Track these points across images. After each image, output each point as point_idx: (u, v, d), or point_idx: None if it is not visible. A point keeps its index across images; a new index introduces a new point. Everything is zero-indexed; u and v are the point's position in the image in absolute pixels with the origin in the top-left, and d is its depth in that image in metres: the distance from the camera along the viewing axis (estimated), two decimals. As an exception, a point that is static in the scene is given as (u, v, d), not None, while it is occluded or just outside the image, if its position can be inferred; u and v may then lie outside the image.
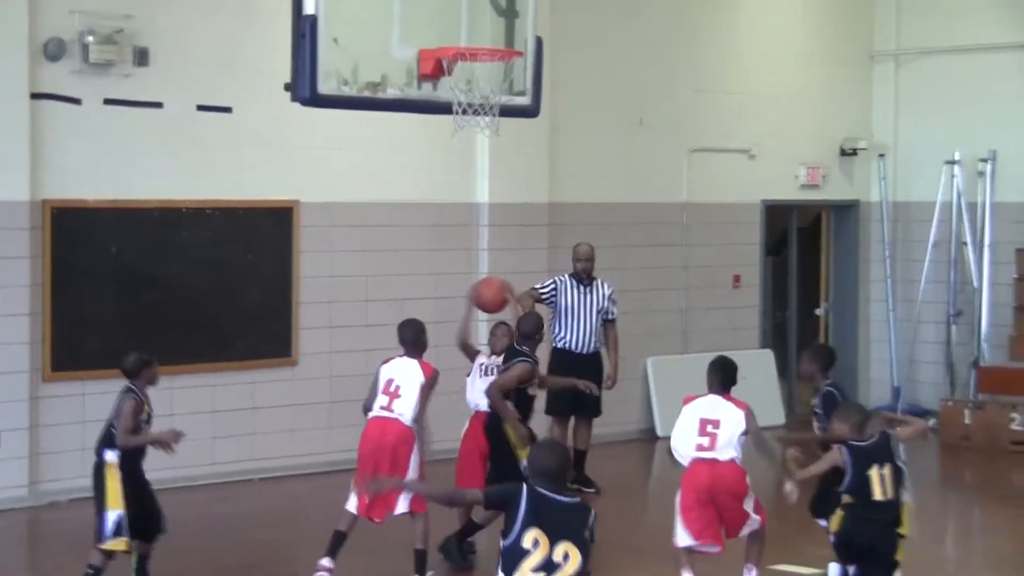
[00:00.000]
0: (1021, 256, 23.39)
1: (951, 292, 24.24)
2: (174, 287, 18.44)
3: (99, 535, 13.26)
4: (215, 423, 15.82)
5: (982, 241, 23.82)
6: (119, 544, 13.23)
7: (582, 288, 17.95)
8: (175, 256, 18.48)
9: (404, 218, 20.23)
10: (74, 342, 17.78)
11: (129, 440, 13.24)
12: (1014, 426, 21.89)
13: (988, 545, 17.04)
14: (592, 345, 18.05)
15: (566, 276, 18.12)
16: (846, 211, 25.70)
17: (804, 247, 25.79)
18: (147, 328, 17.97)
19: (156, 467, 16.86)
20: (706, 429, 13.54)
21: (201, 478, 16.90)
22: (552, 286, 18.03)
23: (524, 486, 9.60)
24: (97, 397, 17.49)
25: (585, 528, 9.65)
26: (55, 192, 17.57)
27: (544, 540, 9.50)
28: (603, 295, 18.09)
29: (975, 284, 23.93)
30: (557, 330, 17.99)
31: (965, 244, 24.00)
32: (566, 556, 9.53)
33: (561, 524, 9.61)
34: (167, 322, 18.24)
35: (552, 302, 17.92)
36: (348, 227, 19.79)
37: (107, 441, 13.28)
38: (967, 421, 22.26)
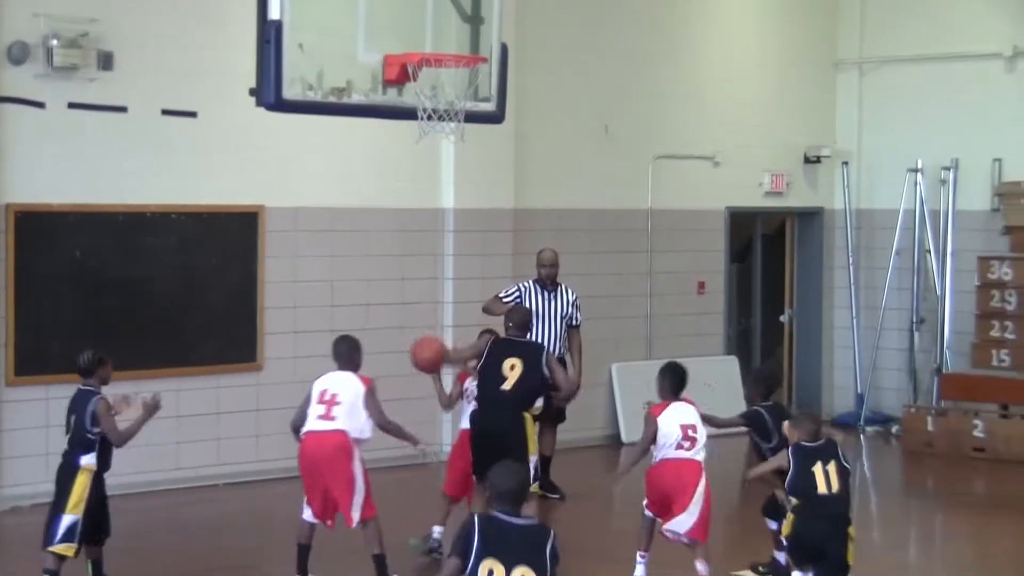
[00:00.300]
0: (983, 264, 23.42)
1: (914, 299, 24.36)
2: (139, 292, 18.38)
3: (49, 538, 13.19)
4: (180, 428, 15.79)
5: (945, 249, 23.86)
6: (67, 549, 13.15)
7: (546, 294, 17.90)
8: (140, 260, 18.40)
9: (370, 223, 20.20)
10: (37, 346, 17.70)
11: (124, 437, 13.26)
12: (976, 433, 21.97)
13: (949, 551, 17.11)
14: (557, 351, 17.82)
15: (530, 282, 18.07)
16: (810, 218, 25.77)
17: (768, 254, 25.83)
18: (111, 332, 17.90)
19: (120, 472, 16.83)
20: (687, 434, 13.81)
21: (165, 483, 16.83)
22: (516, 292, 17.94)
23: (475, 519, 9.75)
24: (60, 402, 17.36)
25: (544, 550, 9.76)
26: (19, 196, 17.48)
27: (499, 568, 9.67)
28: (567, 301, 18.05)
29: (938, 291, 24.02)
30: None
31: (928, 251, 24.09)
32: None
33: (518, 549, 9.79)
34: (132, 327, 18.20)
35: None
36: (314, 232, 19.73)
37: (83, 446, 13.15)
38: (930, 428, 22.31)
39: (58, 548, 13.11)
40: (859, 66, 25.29)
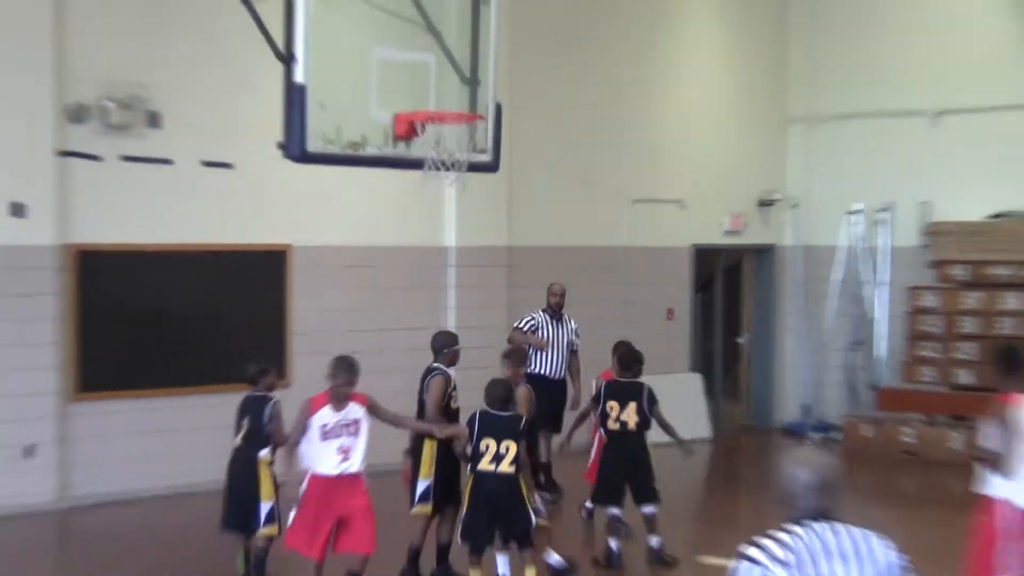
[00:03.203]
0: (913, 293, 23.50)
1: (853, 324, 24.44)
2: (183, 319, 18.45)
3: (252, 521, 13.18)
4: (223, 437, 15.58)
5: (879, 280, 24.01)
6: (272, 530, 13.13)
7: (555, 323, 17.94)
8: (184, 292, 18.46)
9: (382, 259, 20.22)
10: (97, 368, 17.73)
11: (284, 440, 13.10)
12: (906, 438, 22.32)
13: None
14: (562, 372, 18.05)
15: (540, 312, 18.05)
16: (764, 254, 25.78)
17: (728, 285, 25.86)
18: (161, 355, 18.29)
19: (173, 475, 16.90)
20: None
21: (209, 484, 16.46)
22: (533, 322, 17.93)
23: (477, 413, 12.82)
24: (115, 416, 17.92)
25: (518, 429, 12.82)
26: (81, 237, 17.57)
27: (492, 443, 12.71)
28: (570, 329, 18.10)
29: (874, 317, 24.13)
30: (535, 358, 17.76)
31: (865, 282, 24.15)
32: (507, 448, 12.65)
33: (502, 429, 12.77)
34: (178, 349, 18.35)
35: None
36: (334, 267, 19.75)
37: (260, 442, 13.18)
38: (866, 434, 22.60)
39: (265, 532, 13.09)
40: (806, 122, 25.33)
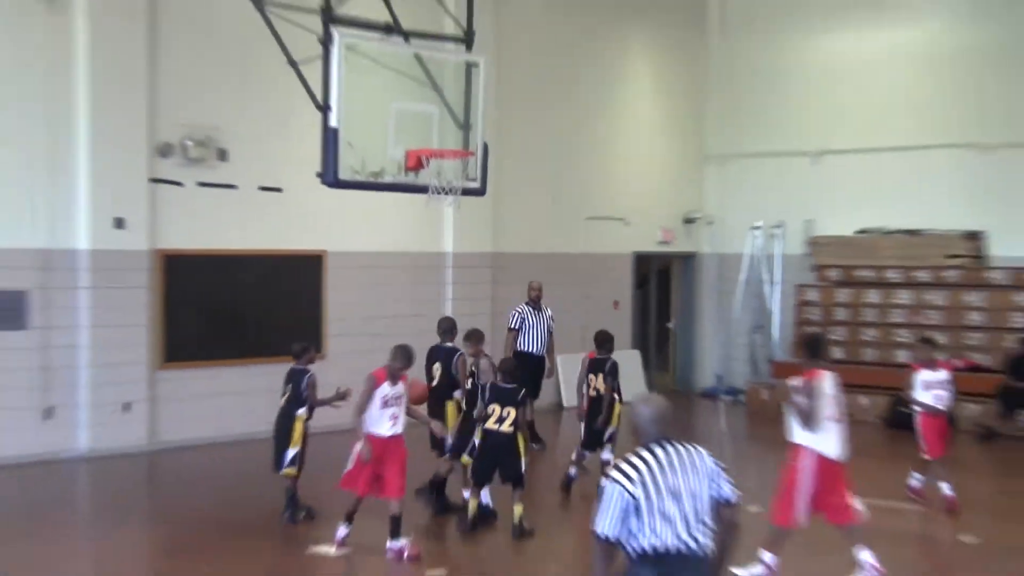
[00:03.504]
0: (799, 290, 23.52)
1: (755, 313, 24.42)
2: (243, 307, 18.58)
3: (279, 464, 13.33)
4: (272, 398, 15.33)
5: (775, 280, 24.02)
6: (292, 472, 13.26)
7: (535, 313, 17.80)
8: (245, 286, 18.60)
9: (394, 262, 20.32)
10: (178, 343, 17.85)
11: (317, 403, 13.45)
12: None
13: (769, 470, 17.02)
14: (541, 349, 17.95)
15: (523, 305, 17.93)
16: (688, 260, 25.71)
17: (660, 283, 25.84)
18: (226, 334, 18.42)
19: (238, 426, 17.47)
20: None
21: (263, 433, 16.36)
22: (519, 315, 17.88)
23: (488, 384, 13.10)
24: (192, 381, 17.91)
25: (518, 398, 12.92)
26: (166, 244, 17.67)
27: (498, 408, 12.89)
28: (547, 316, 17.96)
29: (770, 308, 24.16)
30: (521, 340, 17.83)
31: (764, 282, 24.18)
32: (508, 412, 12.80)
33: (506, 398, 12.89)
34: (239, 330, 18.51)
35: (520, 326, 17.76)
36: (358, 268, 19.78)
37: (298, 403, 13.31)
38: (764, 397, 22.56)
39: (287, 471, 13.25)
40: (719, 159, 25.29)
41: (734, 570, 8.44)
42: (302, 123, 14.05)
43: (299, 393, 13.38)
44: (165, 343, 17.78)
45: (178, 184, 17.83)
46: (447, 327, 14.55)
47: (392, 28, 13.85)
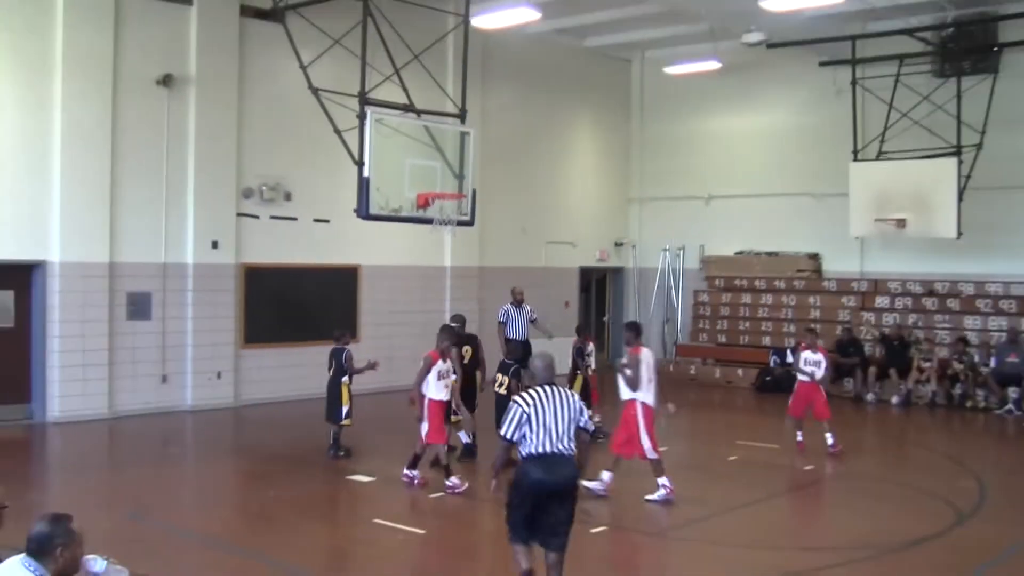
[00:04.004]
0: (695, 294, 23.37)
1: (665, 310, 24.13)
2: (303, 304, 18.34)
3: (337, 416, 13.11)
4: (322, 370, 15.28)
5: (679, 287, 23.81)
6: (348, 422, 13.10)
7: (517, 310, 16.43)
8: (303, 289, 18.38)
9: (409, 273, 20.03)
10: (254, 329, 17.71)
11: (354, 373, 13.17)
12: (692, 372, 22.06)
13: (677, 424, 16.92)
14: (524, 336, 16.45)
15: (509, 305, 16.58)
16: (618, 272, 25.39)
17: (598, 289, 25.51)
18: (289, 323, 18.12)
19: (291, 389, 16.76)
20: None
21: (315, 394, 16.26)
22: (505, 312, 16.54)
23: (501, 360, 12.91)
24: (266, 357, 17.76)
25: (509, 371, 12.61)
26: (247, 259, 17.56)
27: (499, 376, 12.73)
28: (528, 311, 16.53)
29: (675, 307, 23.94)
30: (507, 330, 16.50)
31: (671, 288, 23.96)
32: (504, 380, 12.18)
33: (503, 369, 12.73)
34: (297, 321, 18.17)
35: (506, 320, 16.60)
36: (384, 277, 19.55)
37: (342, 373, 13.12)
38: (671, 369, 22.11)
39: (345, 422, 13.09)
40: (639, 200, 24.99)
41: (583, 483, 8.49)
42: (344, 173, 13.99)
43: (341, 365, 13.24)
44: (246, 330, 17.68)
45: (256, 217, 17.79)
46: (459, 322, 13.95)
47: (408, 107, 13.74)
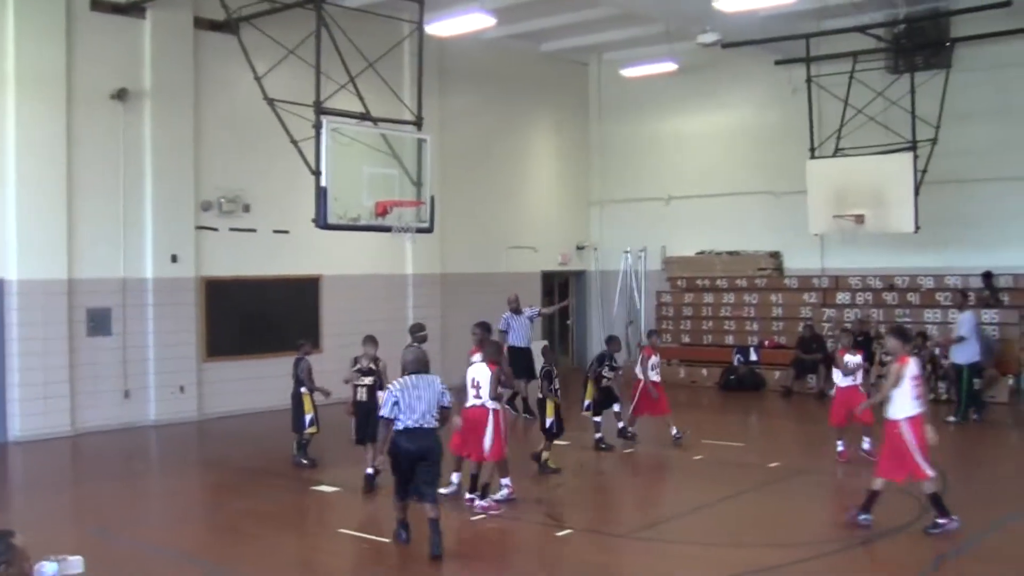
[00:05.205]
0: (658, 295, 23.46)
1: (628, 311, 23.83)
2: (264, 316, 18.28)
3: (301, 425, 13.07)
4: (285, 382, 15.24)
5: (641, 288, 23.66)
6: (313, 431, 13.05)
7: (516, 316, 16.81)
8: (264, 301, 18.32)
9: (370, 282, 20.02)
10: (217, 342, 17.65)
11: (313, 388, 13.09)
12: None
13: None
14: (526, 342, 16.79)
15: (508, 313, 16.85)
16: (580, 275, 25.47)
17: (561, 292, 25.41)
18: (250, 335, 18.06)
19: (255, 403, 16.74)
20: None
21: (278, 406, 15.75)
22: (505, 321, 16.67)
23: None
24: (228, 369, 17.66)
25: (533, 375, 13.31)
26: (207, 272, 17.49)
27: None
28: (527, 315, 16.95)
29: (638, 308, 23.75)
30: (510, 336, 16.71)
31: (633, 289, 23.81)
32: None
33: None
34: (258, 332, 18.11)
35: (507, 329, 16.67)
36: (345, 287, 19.53)
37: (301, 384, 13.08)
38: (637, 369, 22.23)
39: (309, 430, 13.03)
40: (600, 204, 25.13)
41: (441, 490, 9.80)
42: (303, 184, 13.92)
43: (300, 376, 13.26)
44: (208, 343, 17.62)
45: (215, 229, 17.74)
46: (416, 330, 13.54)
47: (365, 115, 13.77)
